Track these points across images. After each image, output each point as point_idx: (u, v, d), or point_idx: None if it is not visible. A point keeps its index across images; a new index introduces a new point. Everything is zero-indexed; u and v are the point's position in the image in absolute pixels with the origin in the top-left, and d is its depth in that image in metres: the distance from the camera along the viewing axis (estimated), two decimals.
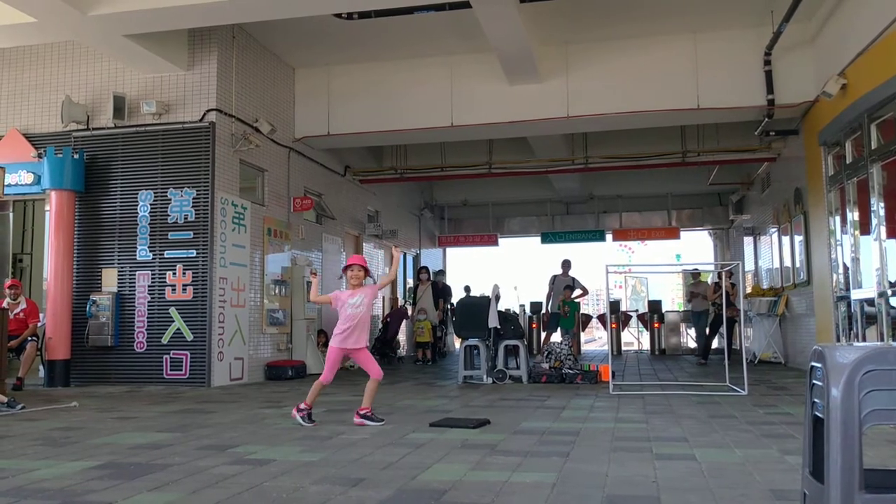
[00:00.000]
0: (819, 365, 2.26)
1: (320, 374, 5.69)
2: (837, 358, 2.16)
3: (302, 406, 5.59)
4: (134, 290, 9.43)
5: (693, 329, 15.03)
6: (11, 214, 10.98)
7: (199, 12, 8.09)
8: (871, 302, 8.21)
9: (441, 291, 14.40)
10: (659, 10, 9.76)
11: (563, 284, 13.87)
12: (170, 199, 9.43)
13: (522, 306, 17.99)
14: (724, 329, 12.00)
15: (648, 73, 10.54)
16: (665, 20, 10.11)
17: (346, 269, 5.83)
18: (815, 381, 2.32)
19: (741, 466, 3.92)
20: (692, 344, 17.47)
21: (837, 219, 9.43)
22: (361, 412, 5.59)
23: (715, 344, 14.17)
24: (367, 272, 5.81)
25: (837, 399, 2.08)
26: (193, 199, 9.36)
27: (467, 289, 16.81)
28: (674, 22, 10.18)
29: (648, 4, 9.56)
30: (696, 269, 14.22)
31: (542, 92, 10.82)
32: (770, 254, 14.17)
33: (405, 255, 17.65)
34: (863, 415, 2.07)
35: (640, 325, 19.10)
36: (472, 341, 9.57)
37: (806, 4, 8.79)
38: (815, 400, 2.30)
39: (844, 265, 9.19)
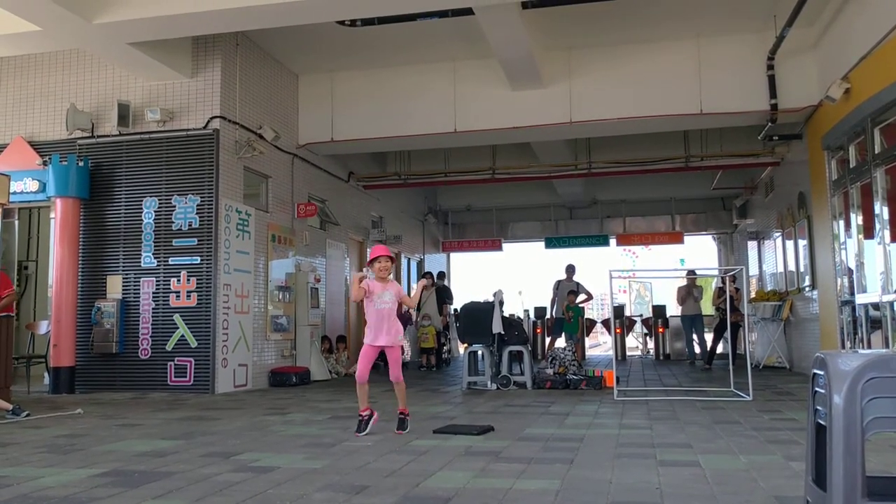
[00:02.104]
0: (821, 372, 2.26)
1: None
2: (840, 365, 2.16)
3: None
4: (138, 297, 9.44)
5: (686, 334, 14.64)
6: (17, 222, 11.03)
7: (203, 20, 8.12)
8: (875, 306, 8.19)
9: (440, 294, 14.39)
10: (661, 15, 9.77)
11: (567, 289, 13.86)
12: (174, 206, 9.46)
13: (526, 311, 17.99)
14: (728, 334, 11.95)
15: (651, 79, 10.54)
16: (668, 25, 10.12)
17: (371, 261, 5.57)
18: (817, 389, 2.32)
19: (746, 473, 3.91)
20: (696, 349, 17.39)
21: (841, 223, 9.42)
22: (400, 414, 5.55)
23: (719, 349, 14.09)
24: (392, 261, 5.64)
25: (840, 406, 2.09)
26: (197, 205, 9.39)
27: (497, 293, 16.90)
28: (677, 27, 10.18)
29: (651, 10, 9.57)
30: (692, 271, 14.00)
31: (545, 97, 10.83)
32: (774, 258, 14.13)
33: (408, 260, 17.67)
34: (865, 422, 2.07)
35: (645, 329, 19.06)
36: (476, 347, 9.57)
37: (809, 9, 8.78)
38: (818, 407, 2.30)
39: (849, 269, 9.18)
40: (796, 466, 4.02)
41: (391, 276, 5.65)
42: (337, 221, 12.90)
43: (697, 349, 14.05)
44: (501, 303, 9.61)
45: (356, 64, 11.34)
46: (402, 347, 5.80)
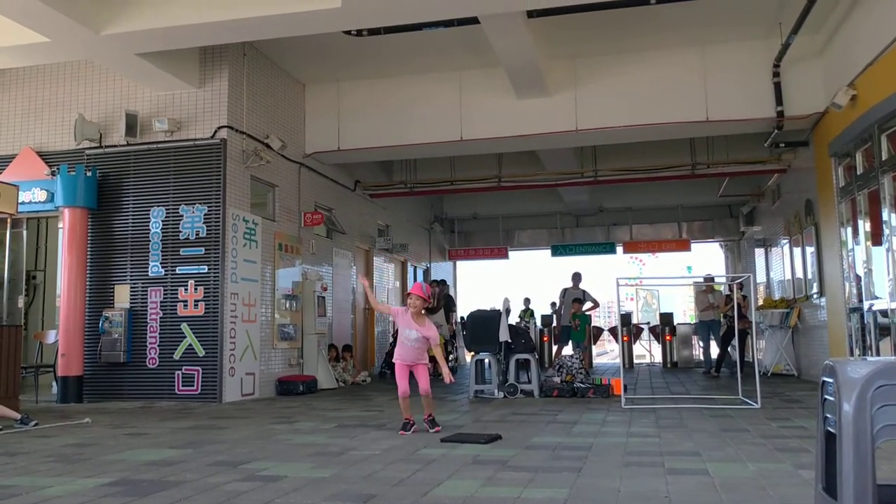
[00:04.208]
0: (831, 380, 2.25)
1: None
2: (849, 373, 2.15)
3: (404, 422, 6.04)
4: (146, 306, 9.47)
5: (702, 341, 14.61)
6: (25, 232, 11.08)
7: (211, 30, 8.17)
8: (884, 313, 8.16)
9: (445, 302, 14.35)
10: (667, 22, 9.78)
11: (573, 297, 13.82)
12: (181, 216, 9.50)
13: (533, 319, 17.99)
14: (736, 341, 11.88)
15: (657, 86, 10.54)
16: (673, 33, 10.13)
17: (408, 294, 6.22)
18: (826, 397, 2.31)
19: (754, 481, 3.89)
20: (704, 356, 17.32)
21: (849, 230, 9.39)
22: (427, 418, 6.10)
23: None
24: (426, 301, 6.16)
25: (849, 414, 2.08)
26: (205, 215, 9.42)
27: (527, 301, 17.07)
28: (682, 34, 10.19)
29: (656, 17, 9.58)
30: (711, 277, 13.95)
31: (550, 106, 10.85)
32: (781, 265, 14.09)
33: (415, 268, 17.67)
34: (875, 430, 2.06)
35: (652, 337, 19.01)
36: (483, 355, 9.56)
37: (814, 16, 8.78)
38: (827, 415, 2.29)
39: (857, 276, 9.14)
40: (805, 474, 4.00)
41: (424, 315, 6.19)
42: (343, 230, 12.92)
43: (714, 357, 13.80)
44: (508, 311, 9.59)
45: (362, 73, 11.38)
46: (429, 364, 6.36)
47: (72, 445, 5.57)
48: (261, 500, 3.60)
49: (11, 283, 11.19)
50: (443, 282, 15.12)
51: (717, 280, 14.49)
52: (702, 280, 14.13)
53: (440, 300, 13.58)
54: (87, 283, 9.60)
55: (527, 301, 18.05)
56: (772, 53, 9.96)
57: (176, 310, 9.37)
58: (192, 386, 9.18)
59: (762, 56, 10.16)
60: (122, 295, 9.58)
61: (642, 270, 35.59)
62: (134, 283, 9.58)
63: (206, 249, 9.37)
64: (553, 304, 17.01)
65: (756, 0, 9.20)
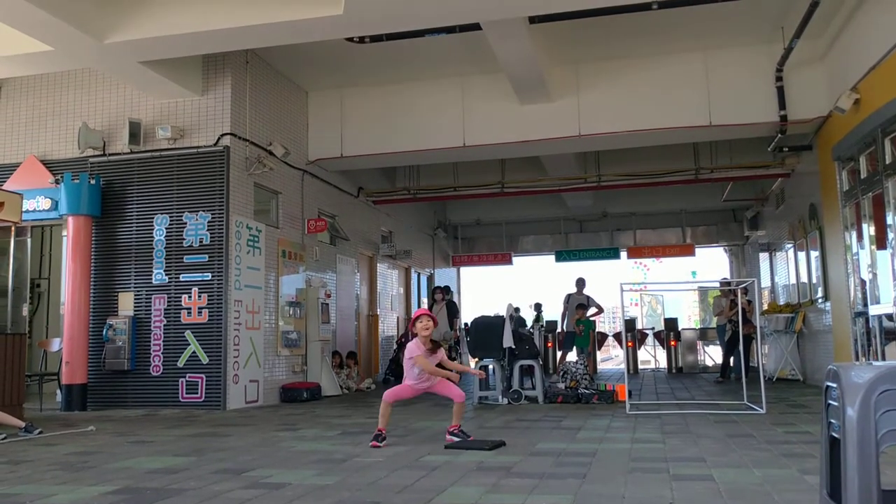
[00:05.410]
0: (834, 385, 2.25)
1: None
2: (852, 378, 2.15)
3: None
4: (150, 314, 9.49)
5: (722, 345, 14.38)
6: (29, 240, 11.08)
7: (213, 38, 8.20)
8: (889, 317, 8.13)
9: (449, 308, 14.34)
10: (669, 28, 9.79)
11: (577, 303, 13.80)
12: (185, 223, 9.51)
13: (541, 325, 17.94)
14: (741, 347, 11.83)
15: (660, 91, 10.55)
16: (675, 38, 10.14)
17: (414, 321, 5.88)
18: (830, 401, 2.30)
19: (760, 487, 3.88)
20: (709, 361, 17.28)
21: (853, 234, 9.37)
22: (451, 430, 5.78)
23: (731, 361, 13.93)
24: (435, 323, 5.94)
25: (853, 419, 2.07)
26: (208, 222, 9.44)
27: (538, 306, 17.02)
28: (684, 40, 10.20)
29: (658, 23, 9.59)
30: (729, 281, 13.88)
31: (553, 111, 10.86)
32: (786, 270, 14.05)
33: (418, 275, 17.66)
34: (879, 435, 2.05)
35: (657, 343, 18.97)
36: (487, 361, 9.54)
37: (817, 20, 8.78)
38: (832, 420, 2.29)
39: (861, 280, 9.12)
40: (811, 480, 3.98)
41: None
42: (347, 237, 12.93)
43: (731, 361, 13.65)
44: (512, 317, 9.57)
45: (365, 80, 11.41)
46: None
47: (76, 453, 5.57)
48: None
49: (16, 291, 11.18)
50: (446, 288, 15.10)
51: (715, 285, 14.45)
52: (703, 285, 14.08)
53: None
54: (91, 290, 9.62)
55: (537, 306, 18.01)
56: (774, 58, 9.96)
57: (180, 317, 9.38)
58: (196, 393, 9.18)
59: (765, 60, 10.17)
60: (126, 302, 9.59)
61: (646, 275, 35.57)
62: (138, 291, 9.59)
63: (209, 257, 9.38)
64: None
65: (758, 5, 9.21)
